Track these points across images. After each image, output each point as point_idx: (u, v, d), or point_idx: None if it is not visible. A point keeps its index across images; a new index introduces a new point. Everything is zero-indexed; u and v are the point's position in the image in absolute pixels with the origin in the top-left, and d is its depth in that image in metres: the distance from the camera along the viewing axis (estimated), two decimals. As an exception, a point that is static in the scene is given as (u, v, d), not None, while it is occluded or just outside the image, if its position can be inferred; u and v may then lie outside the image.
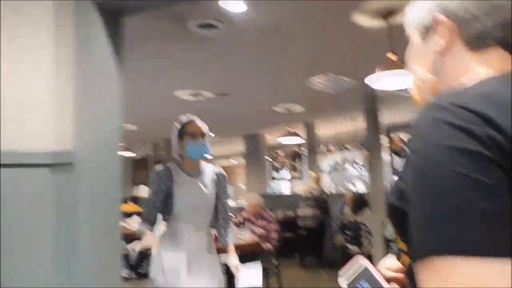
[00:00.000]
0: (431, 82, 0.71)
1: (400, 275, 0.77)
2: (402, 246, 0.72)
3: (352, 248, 5.36)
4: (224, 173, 2.46)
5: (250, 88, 5.55)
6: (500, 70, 0.61)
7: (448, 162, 0.49)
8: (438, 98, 0.58)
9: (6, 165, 1.40)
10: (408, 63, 0.77)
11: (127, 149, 8.79)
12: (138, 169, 11.17)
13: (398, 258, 0.80)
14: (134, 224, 6.90)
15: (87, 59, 1.57)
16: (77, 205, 1.49)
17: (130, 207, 6.91)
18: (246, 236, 4.59)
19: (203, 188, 2.30)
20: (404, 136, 6.47)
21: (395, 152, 6.42)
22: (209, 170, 2.39)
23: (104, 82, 1.64)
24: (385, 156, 6.08)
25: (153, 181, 2.27)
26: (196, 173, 2.32)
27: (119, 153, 1.70)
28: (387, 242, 5.05)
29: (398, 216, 0.62)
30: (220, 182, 2.39)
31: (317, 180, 6.89)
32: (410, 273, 0.68)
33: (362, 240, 5.31)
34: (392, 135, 6.45)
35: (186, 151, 2.28)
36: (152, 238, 2.31)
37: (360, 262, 0.76)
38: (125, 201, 9.09)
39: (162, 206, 2.26)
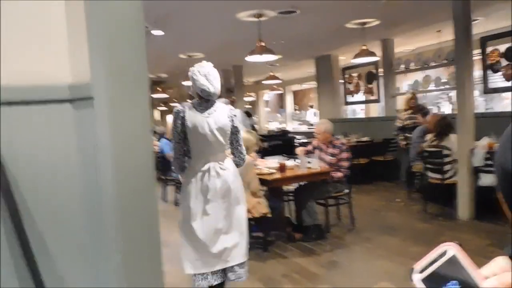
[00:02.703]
0: None
1: None
2: None
3: (433, 176, 4.90)
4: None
5: (317, 4, 4.96)
6: None
7: None
8: None
9: (10, 103, 1.23)
10: None
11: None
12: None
13: None
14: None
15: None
16: (99, 143, 1.32)
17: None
18: (314, 164, 4.37)
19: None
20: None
21: (490, 66, 5.51)
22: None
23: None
24: (477, 72, 5.25)
25: None
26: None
27: (146, 83, 1.47)
28: (476, 172, 4.50)
29: None
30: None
31: (410, 101, 6.23)
32: None
33: (445, 168, 4.80)
34: (486, 46, 5.51)
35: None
36: None
37: (445, 250, 0.45)
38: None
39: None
